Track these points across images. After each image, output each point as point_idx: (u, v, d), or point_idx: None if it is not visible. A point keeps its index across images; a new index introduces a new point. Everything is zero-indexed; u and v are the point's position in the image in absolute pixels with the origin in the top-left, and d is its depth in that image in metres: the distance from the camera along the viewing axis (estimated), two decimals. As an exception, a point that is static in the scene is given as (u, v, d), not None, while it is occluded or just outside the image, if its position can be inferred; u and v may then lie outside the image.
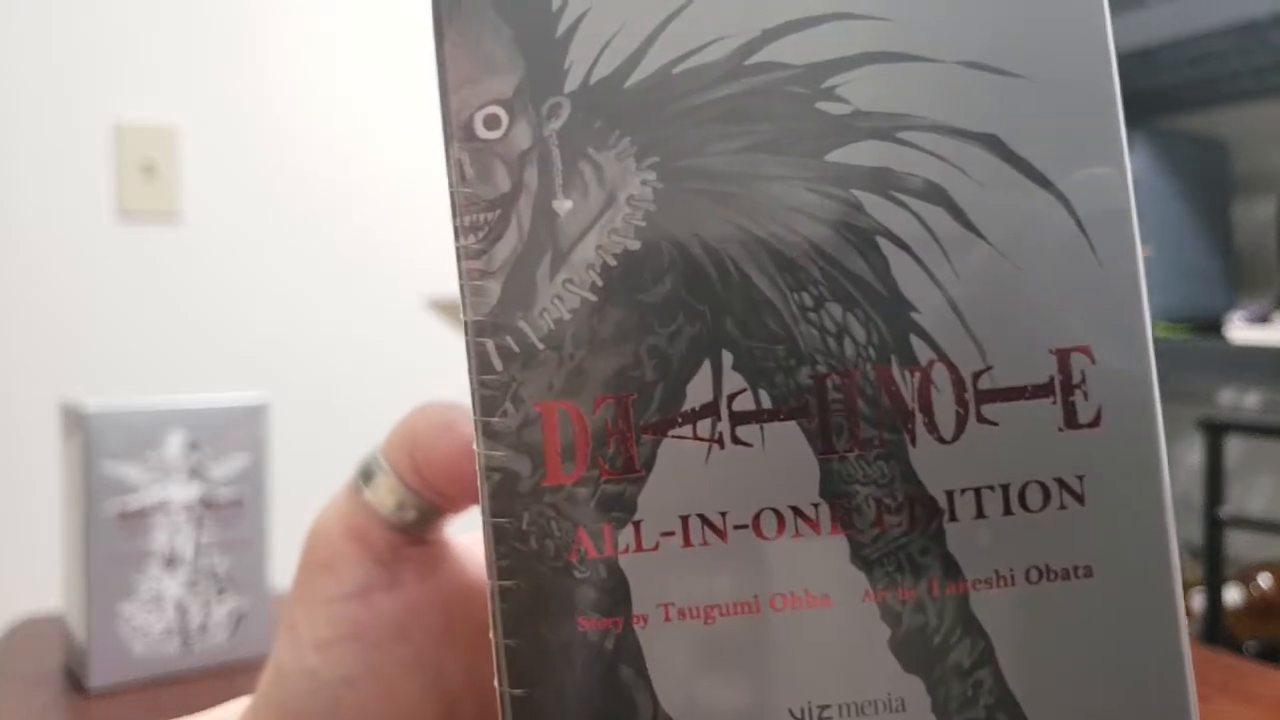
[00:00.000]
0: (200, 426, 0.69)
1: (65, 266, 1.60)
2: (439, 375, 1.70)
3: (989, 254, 0.18)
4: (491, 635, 0.18)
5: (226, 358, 1.67)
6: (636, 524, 0.18)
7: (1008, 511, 0.18)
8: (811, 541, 0.18)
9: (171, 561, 0.68)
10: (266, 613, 0.71)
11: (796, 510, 0.18)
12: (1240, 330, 1.39)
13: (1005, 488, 0.18)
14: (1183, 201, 1.53)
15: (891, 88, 0.18)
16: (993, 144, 0.18)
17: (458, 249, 0.18)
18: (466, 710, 0.28)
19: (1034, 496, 0.18)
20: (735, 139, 0.18)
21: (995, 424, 0.18)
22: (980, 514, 0.18)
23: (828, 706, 0.18)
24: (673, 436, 0.18)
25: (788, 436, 0.18)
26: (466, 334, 0.18)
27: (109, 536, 0.66)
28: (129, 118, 1.63)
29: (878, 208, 0.18)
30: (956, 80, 0.18)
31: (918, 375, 0.18)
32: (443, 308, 0.73)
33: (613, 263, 0.18)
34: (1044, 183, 0.18)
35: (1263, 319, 1.40)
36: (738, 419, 0.18)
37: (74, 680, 0.67)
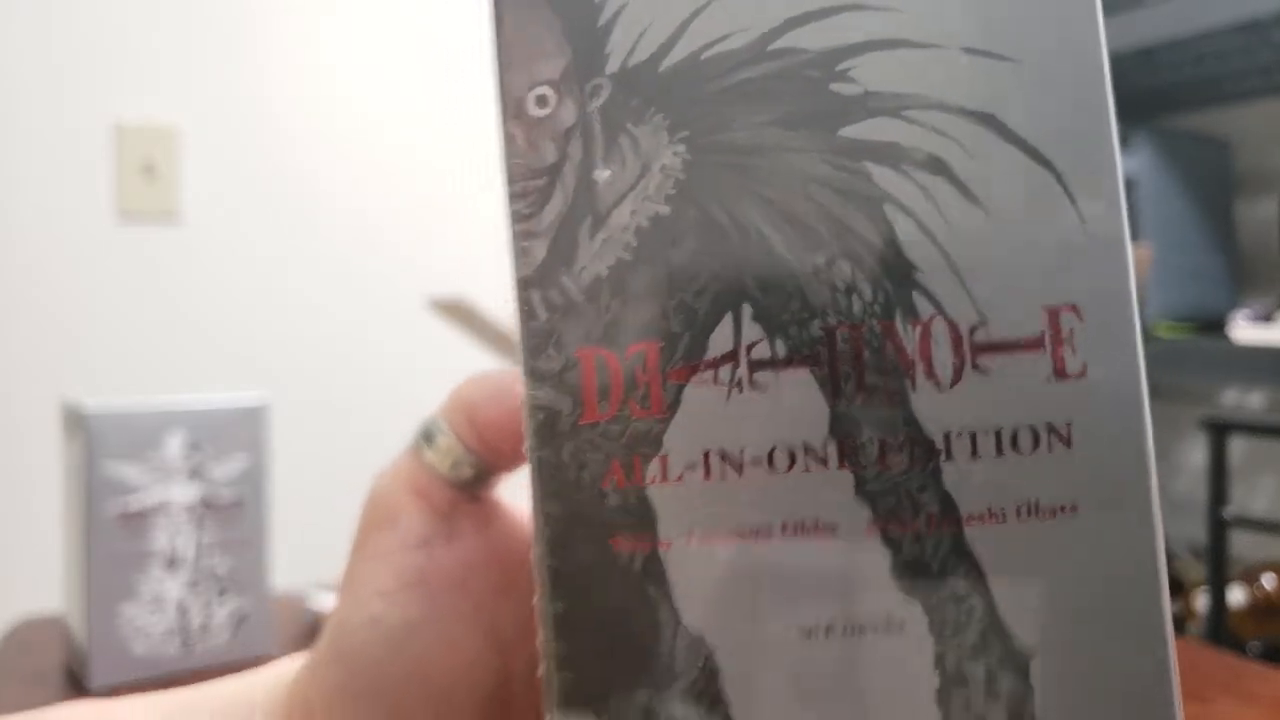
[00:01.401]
0: (201, 427, 0.69)
1: (66, 267, 1.61)
2: (440, 375, 1.71)
3: (985, 220, 0.21)
4: (534, 556, 0.21)
5: (227, 358, 1.68)
6: (663, 458, 0.21)
7: (1000, 453, 0.21)
8: (820, 476, 0.21)
9: (172, 562, 0.68)
10: (267, 613, 0.72)
11: (807, 448, 0.21)
12: (1243, 330, 1.41)
13: (998, 431, 0.21)
14: (1185, 201, 1.55)
15: (898, 71, 0.21)
16: (990, 122, 0.21)
17: (509, 213, 0.21)
18: (518, 661, 0.30)
19: (1024, 439, 0.21)
20: (758, 116, 0.21)
21: (989, 373, 0.21)
22: (975, 454, 0.21)
23: (833, 625, 0.21)
24: (697, 381, 0.21)
25: (800, 382, 0.21)
26: (516, 288, 0.21)
27: (110, 537, 0.67)
28: (129, 118, 1.65)
29: (885, 178, 0.21)
30: (957, 64, 0.21)
31: (919, 328, 0.21)
32: (443, 308, 0.74)
33: (646, 225, 0.21)
34: (1036, 156, 0.21)
35: (1266, 318, 1.41)
36: (755, 366, 0.21)
37: (75, 681, 0.68)
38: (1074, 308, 0.21)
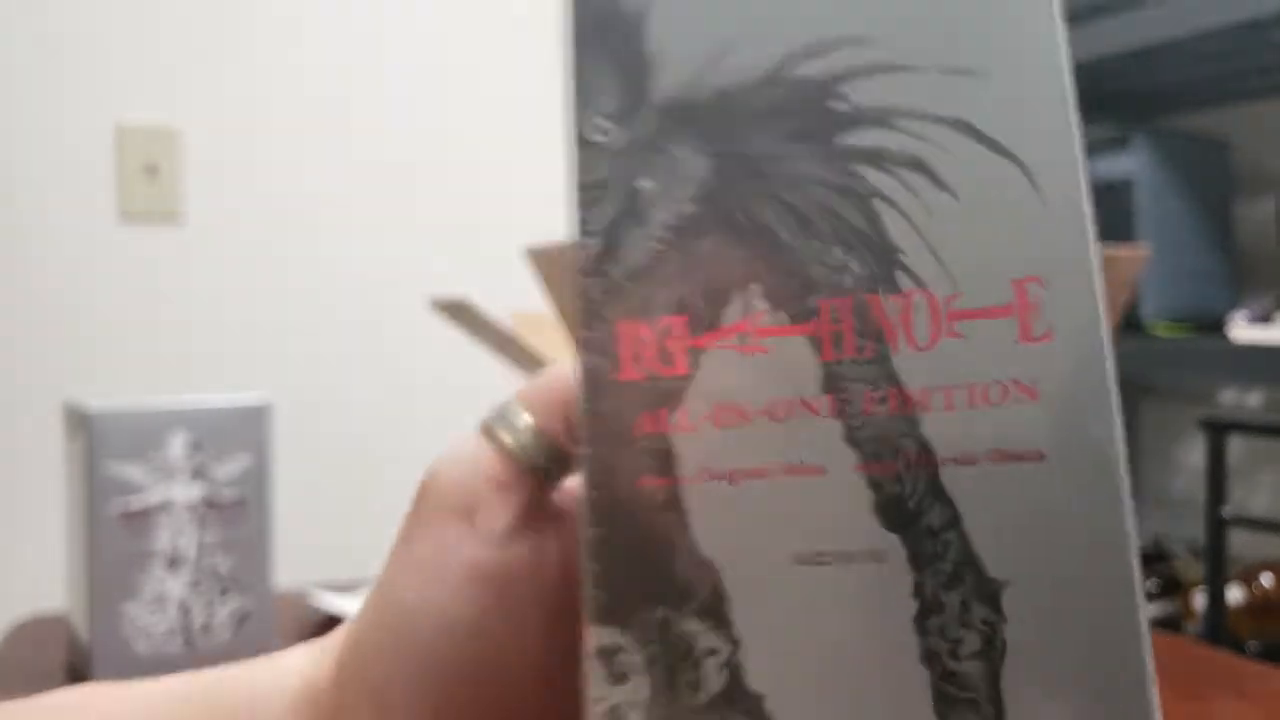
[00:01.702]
0: (203, 427, 0.71)
1: (68, 268, 1.65)
2: (440, 375, 1.76)
3: (960, 208, 0.25)
4: (580, 489, 0.26)
5: (228, 358, 1.71)
6: (683, 410, 0.26)
7: (973, 405, 0.24)
8: (813, 424, 0.25)
9: (174, 561, 0.70)
10: (269, 612, 0.73)
11: (803, 400, 0.25)
12: (1242, 329, 1.40)
13: (970, 386, 0.24)
14: (1184, 201, 1.56)
15: (886, 90, 0.26)
16: (965, 127, 0.25)
17: (573, 218, 0.27)
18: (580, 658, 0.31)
19: (995, 393, 0.24)
20: (769, 131, 0.26)
21: (963, 336, 0.24)
22: (949, 406, 0.24)
23: (823, 554, 0.24)
24: (712, 346, 0.25)
25: (798, 345, 0.25)
26: (577, 275, 0.27)
27: (112, 536, 0.68)
28: (130, 119, 1.68)
29: (874, 176, 0.26)
30: (937, 82, 0.25)
31: (900, 300, 0.25)
32: (445, 308, 0.76)
33: (677, 223, 0.26)
34: (1005, 154, 0.25)
35: (1264, 318, 1.42)
36: (761, 333, 0.25)
37: (78, 679, 0.68)
38: (1039, 280, 0.24)
